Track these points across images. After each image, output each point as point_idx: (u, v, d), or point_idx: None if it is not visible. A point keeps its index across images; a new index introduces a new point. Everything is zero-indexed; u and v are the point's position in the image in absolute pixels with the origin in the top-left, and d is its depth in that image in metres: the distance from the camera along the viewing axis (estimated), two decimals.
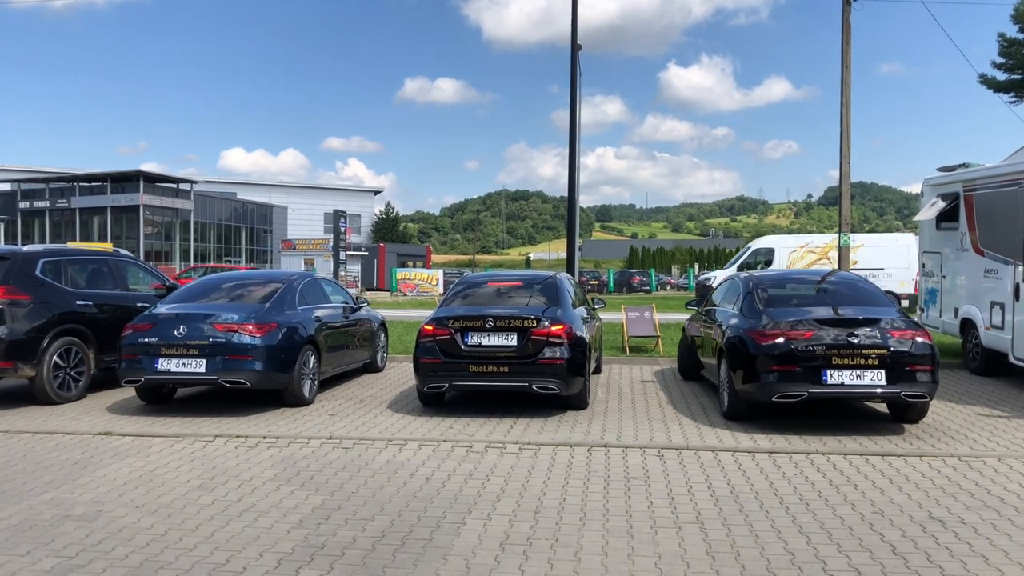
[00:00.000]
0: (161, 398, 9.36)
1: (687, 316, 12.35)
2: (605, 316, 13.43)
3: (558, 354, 8.28)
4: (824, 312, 8.03)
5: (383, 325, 12.55)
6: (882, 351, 7.46)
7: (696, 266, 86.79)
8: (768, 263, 26.28)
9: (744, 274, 9.72)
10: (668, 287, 65.10)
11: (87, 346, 9.63)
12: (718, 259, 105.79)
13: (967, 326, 11.80)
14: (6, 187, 59.47)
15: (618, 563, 4.40)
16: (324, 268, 45.06)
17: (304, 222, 76.36)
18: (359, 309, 11.46)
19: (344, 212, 47.28)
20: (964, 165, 12.70)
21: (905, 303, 22.11)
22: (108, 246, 34.06)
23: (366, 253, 62.38)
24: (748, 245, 29.40)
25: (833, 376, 7.46)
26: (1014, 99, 36.15)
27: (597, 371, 11.51)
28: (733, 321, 8.56)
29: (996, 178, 10.96)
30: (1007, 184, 10.54)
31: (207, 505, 5.46)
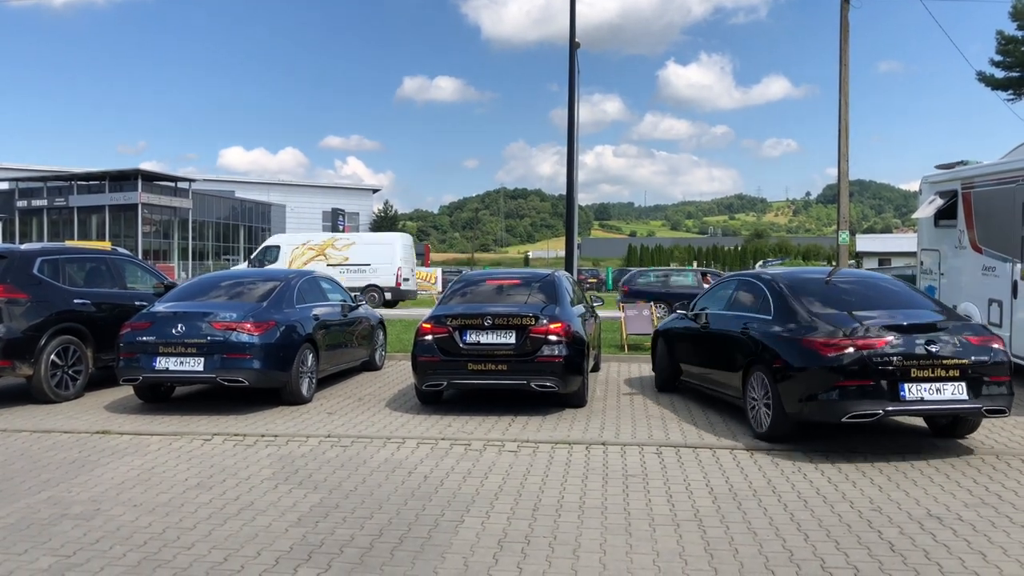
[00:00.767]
0: (159, 397, 9.35)
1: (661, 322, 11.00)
2: (604, 314, 13.43)
3: (556, 352, 8.25)
4: (888, 317, 6.95)
5: (381, 323, 12.55)
6: (963, 361, 6.53)
7: (695, 264, 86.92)
8: (274, 260, 28.97)
9: (766, 273, 8.47)
10: None
11: (85, 345, 9.61)
12: (716, 257, 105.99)
13: None
14: (4, 186, 59.39)
15: (616, 561, 4.40)
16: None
17: (303, 220, 76.29)
18: (357, 307, 11.46)
19: (342, 210, 47.28)
20: (962, 163, 12.70)
21: (388, 295, 27.58)
22: (106, 245, 34.02)
23: None
24: (264, 243, 32.03)
25: (912, 391, 6.45)
26: (1012, 96, 36.20)
27: (595, 369, 11.51)
28: (773, 328, 7.32)
29: (994, 176, 10.96)
30: (1005, 182, 10.55)
31: (205, 503, 5.45)
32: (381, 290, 27.58)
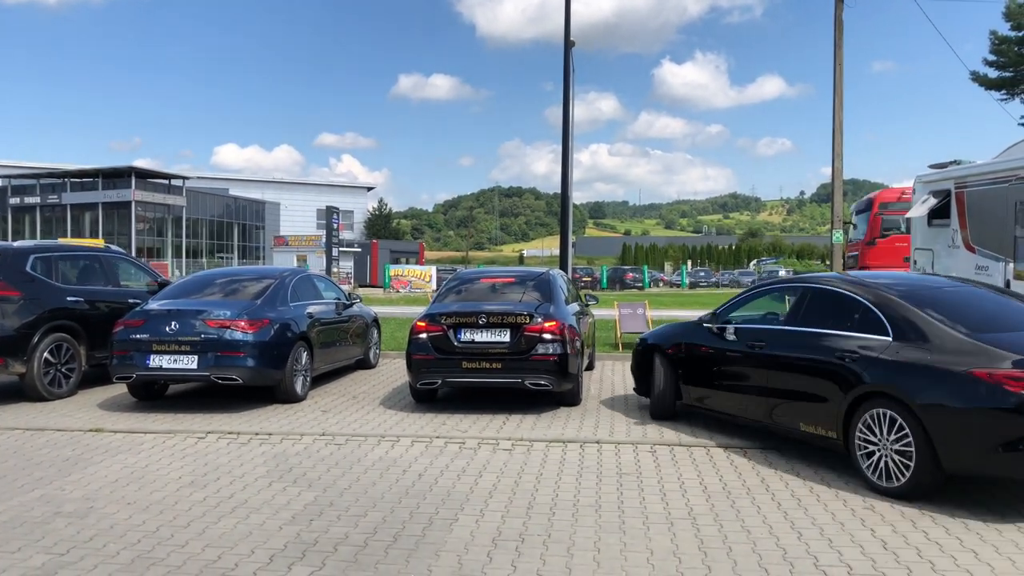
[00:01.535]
0: (153, 394, 9.33)
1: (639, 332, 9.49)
2: (598, 313, 13.44)
3: (550, 350, 8.23)
4: None
5: (376, 321, 12.54)
6: None
7: (689, 263, 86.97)
8: None
9: (854, 277, 6.96)
10: (661, 284, 65.28)
11: (78, 342, 9.58)
12: (711, 256, 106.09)
13: None
14: None
15: (610, 559, 4.40)
16: (317, 264, 44.99)
17: (297, 218, 76.15)
18: (352, 305, 11.45)
19: (337, 208, 47.11)
20: (955, 162, 12.77)
21: None
22: (99, 242, 33.93)
23: (359, 250, 62.26)
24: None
25: None
26: (1005, 96, 36.35)
27: (590, 367, 11.52)
28: (905, 354, 5.63)
29: (987, 175, 11.01)
30: (998, 181, 10.60)
31: (199, 502, 5.44)
32: None
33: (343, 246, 52.06)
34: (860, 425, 5.79)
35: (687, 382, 7.80)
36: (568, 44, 16.53)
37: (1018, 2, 33.86)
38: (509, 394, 9.28)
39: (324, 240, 46.68)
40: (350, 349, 11.20)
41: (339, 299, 11.17)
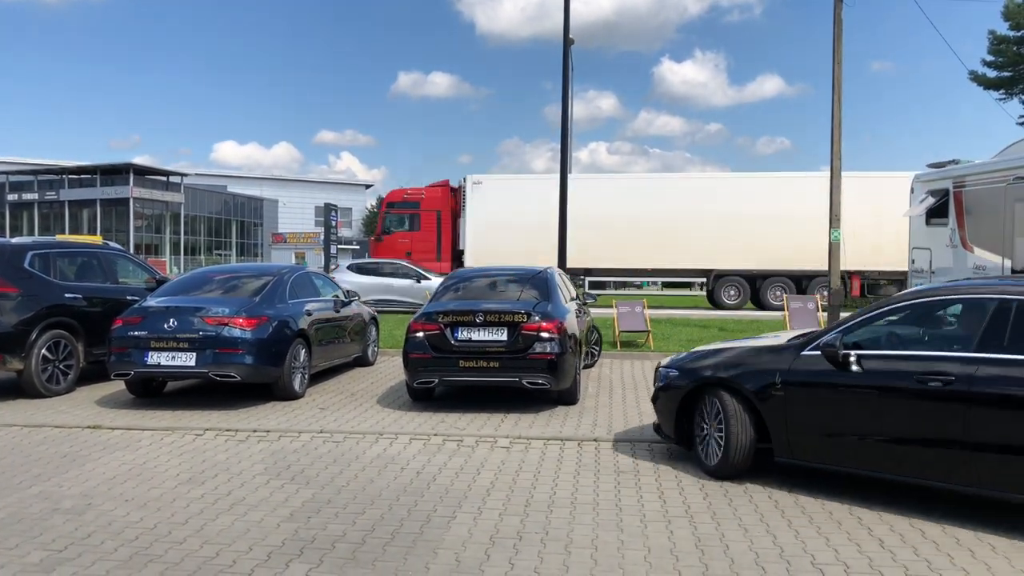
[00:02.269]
0: (151, 391, 9.32)
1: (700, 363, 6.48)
2: (597, 311, 13.44)
3: (548, 349, 8.18)
4: None
5: (374, 319, 12.53)
6: None
7: None
8: None
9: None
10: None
11: (76, 339, 9.57)
12: None
13: None
14: None
15: (608, 556, 4.41)
16: (315, 262, 44.91)
17: (295, 216, 76.06)
18: (350, 303, 11.44)
19: (335, 206, 47.05)
20: (954, 162, 12.79)
21: None
22: (97, 239, 33.89)
23: (357, 247, 62.19)
24: None
25: None
26: (1004, 96, 36.37)
27: (590, 365, 11.51)
28: None
29: (985, 175, 11.03)
30: (996, 181, 10.62)
31: (197, 499, 5.45)
32: None
33: (341, 243, 52.00)
34: None
35: (794, 431, 5.67)
36: (567, 42, 16.54)
37: (1016, 2, 33.87)
38: (507, 392, 9.28)
39: (322, 237, 46.64)
40: (348, 347, 11.20)
41: (337, 296, 11.17)
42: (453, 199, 28.59)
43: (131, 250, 40.08)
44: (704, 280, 26.12)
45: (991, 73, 36.18)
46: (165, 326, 8.49)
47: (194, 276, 10.27)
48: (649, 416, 8.28)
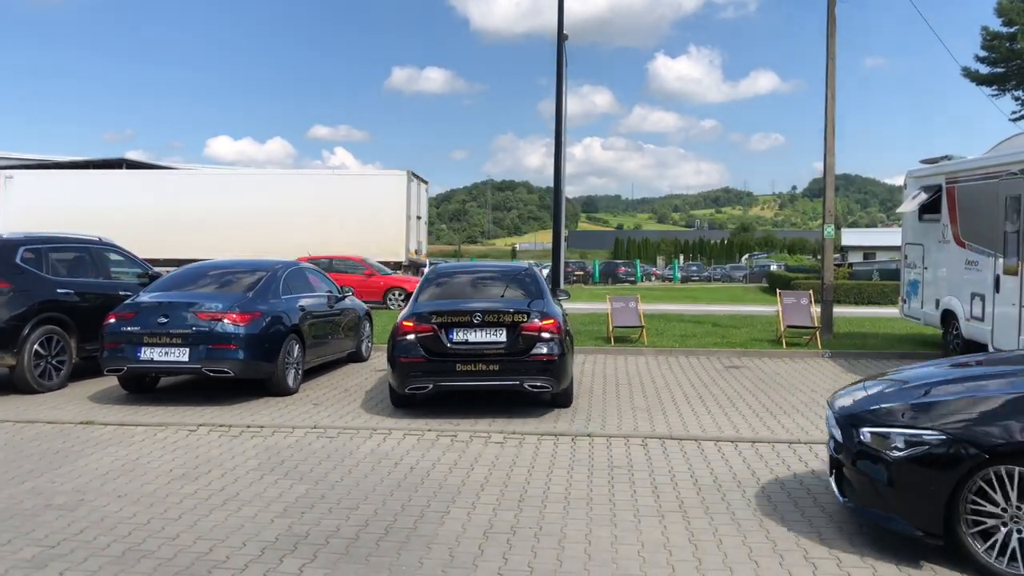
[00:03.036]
0: (144, 387, 9.30)
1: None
2: (590, 307, 13.45)
3: (549, 350, 7.79)
4: None
5: (368, 315, 12.52)
6: None
7: (681, 257, 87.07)
8: None
9: None
10: (653, 278, 65.36)
11: (68, 335, 9.54)
12: (703, 250, 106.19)
13: (948, 317, 11.92)
14: None
15: (601, 551, 4.42)
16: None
17: None
18: (344, 298, 11.42)
19: None
20: (947, 158, 12.81)
21: None
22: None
23: None
24: None
25: None
26: (996, 92, 36.49)
27: None
28: None
29: (978, 171, 11.06)
30: (988, 177, 10.64)
31: (190, 494, 5.44)
32: None
33: None
34: None
35: None
36: (561, 38, 16.50)
37: None
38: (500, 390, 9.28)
39: None
40: (342, 342, 11.18)
41: (331, 292, 11.15)
42: None
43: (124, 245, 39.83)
44: None
45: (984, 69, 36.30)
46: (158, 322, 8.46)
47: (187, 271, 10.23)
48: (642, 411, 8.31)
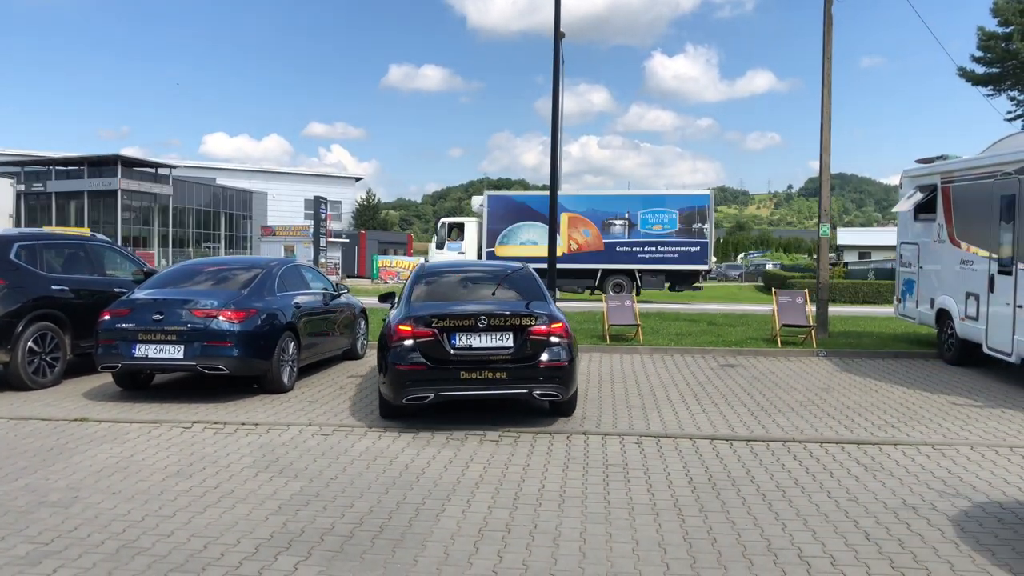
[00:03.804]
0: (138, 384, 9.28)
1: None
2: (587, 305, 13.45)
3: (559, 356, 7.30)
4: None
5: (363, 312, 12.51)
6: None
7: None
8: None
9: None
10: None
11: (63, 331, 9.52)
12: None
13: (943, 316, 11.94)
14: None
15: (596, 549, 4.42)
16: (304, 255, 44.73)
17: (284, 209, 75.75)
18: (339, 296, 11.42)
19: (325, 199, 46.91)
20: (942, 157, 12.83)
21: None
22: (85, 230, 33.63)
23: (347, 240, 62.00)
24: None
25: None
26: (992, 92, 36.59)
27: None
28: None
29: (973, 170, 11.08)
30: (984, 176, 10.66)
31: (184, 491, 5.43)
32: None
33: (331, 236, 51.85)
34: None
35: None
36: (558, 36, 16.49)
37: None
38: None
39: (312, 230, 46.50)
40: (337, 340, 11.17)
41: (326, 289, 11.14)
42: None
43: (119, 242, 39.81)
44: None
45: (980, 69, 36.41)
46: (153, 318, 8.44)
47: (182, 268, 10.22)
48: (637, 409, 8.31)
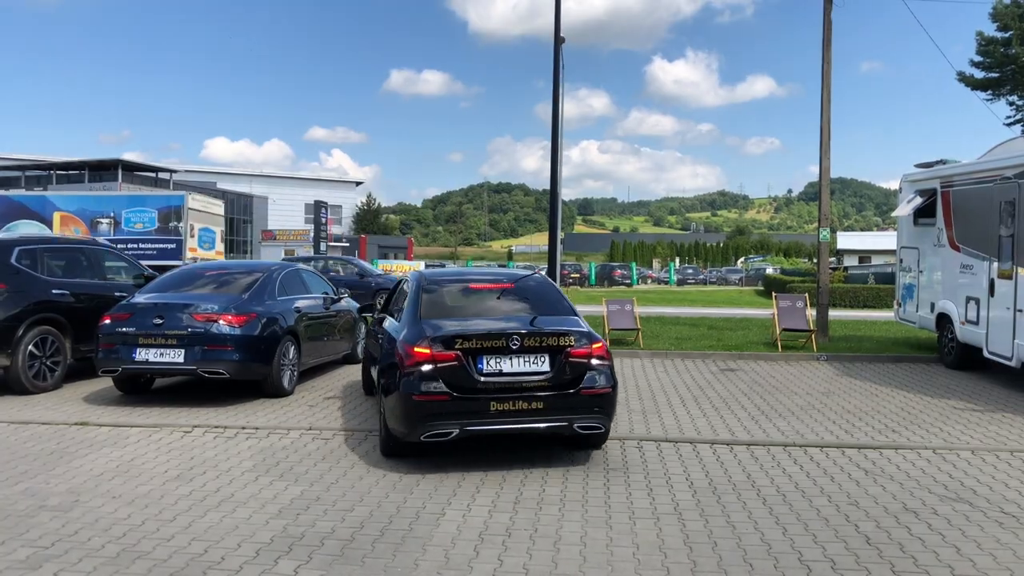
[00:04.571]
0: (139, 388, 9.28)
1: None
2: (587, 309, 13.46)
3: (603, 382, 6.26)
4: None
5: (363, 316, 12.50)
6: None
7: (677, 260, 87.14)
8: None
9: None
10: (649, 281, 65.46)
11: (63, 335, 9.52)
12: (699, 253, 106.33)
13: (943, 321, 11.95)
14: None
15: (596, 553, 4.42)
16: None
17: (285, 213, 75.82)
18: (339, 300, 11.42)
19: (325, 203, 47.00)
20: (942, 162, 12.85)
21: None
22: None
23: (347, 244, 62.07)
24: None
25: None
26: (991, 97, 36.60)
27: None
28: None
29: (973, 175, 11.09)
30: (983, 181, 10.68)
31: (185, 495, 5.43)
32: None
33: (331, 241, 51.89)
34: None
35: None
36: (558, 41, 16.52)
37: (1005, 3, 34.09)
38: None
39: (312, 235, 46.55)
40: (338, 344, 11.18)
41: (327, 294, 11.14)
42: None
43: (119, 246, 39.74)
44: None
45: (979, 74, 36.42)
46: (153, 322, 8.45)
47: (183, 272, 10.22)
48: (637, 414, 8.32)
